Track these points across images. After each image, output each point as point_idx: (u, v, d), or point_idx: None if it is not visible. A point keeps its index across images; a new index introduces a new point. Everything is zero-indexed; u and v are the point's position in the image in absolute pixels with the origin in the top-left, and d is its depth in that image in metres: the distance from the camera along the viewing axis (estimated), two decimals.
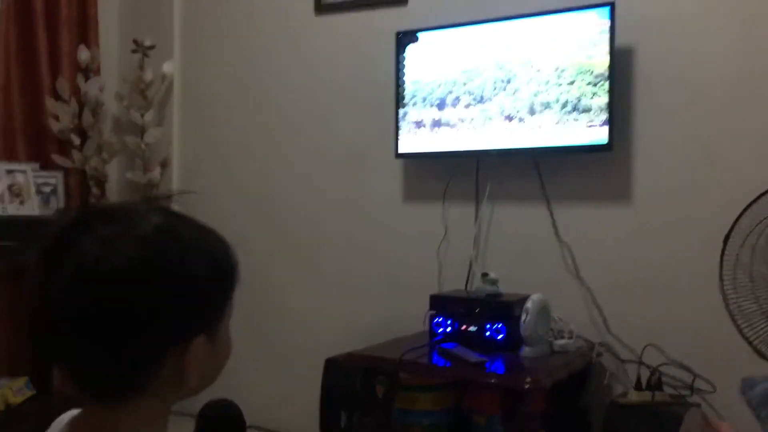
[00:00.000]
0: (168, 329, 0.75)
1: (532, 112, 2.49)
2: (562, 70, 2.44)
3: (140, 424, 0.78)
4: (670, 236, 2.39)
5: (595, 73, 2.37)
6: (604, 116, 2.36)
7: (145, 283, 0.73)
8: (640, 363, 2.31)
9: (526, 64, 2.50)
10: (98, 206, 0.77)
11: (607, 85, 2.35)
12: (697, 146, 2.36)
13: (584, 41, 2.39)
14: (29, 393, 2.89)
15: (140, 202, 0.84)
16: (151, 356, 0.75)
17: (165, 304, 0.74)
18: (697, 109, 2.36)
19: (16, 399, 2.83)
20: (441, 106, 2.68)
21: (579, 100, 2.40)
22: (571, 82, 2.42)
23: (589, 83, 2.38)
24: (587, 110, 2.38)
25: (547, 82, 2.46)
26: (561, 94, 2.44)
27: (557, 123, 2.44)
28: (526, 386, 2.01)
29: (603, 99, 2.36)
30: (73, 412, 0.83)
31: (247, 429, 1.00)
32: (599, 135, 2.38)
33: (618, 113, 2.40)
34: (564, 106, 2.42)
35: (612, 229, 2.49)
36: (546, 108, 2.46)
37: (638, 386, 2.24)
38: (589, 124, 2.38)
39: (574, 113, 2.41)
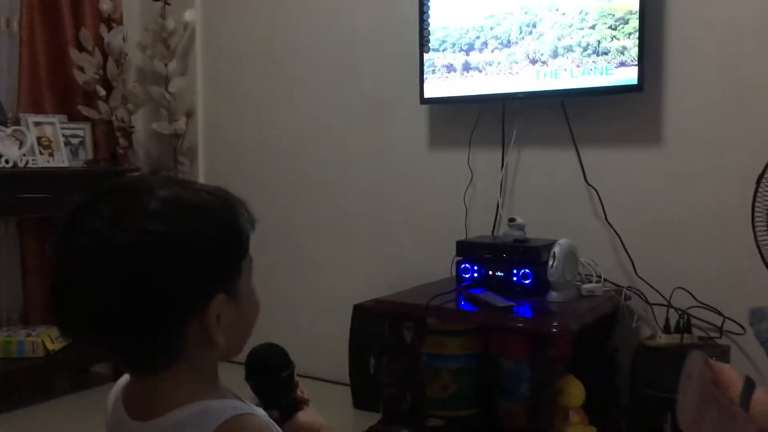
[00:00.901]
0: (184, 295, 0.77)
1: (555, 55, 2.44)
2: (586, 14, 2.37)
3: (189, 392, 0.80)
4: (701, 178, 2.35)
5: (617, 16, 2.30)
6: (633, 56, 2.29)
7: (156, 255, 0.75)
8: (669, 306, 2.30)
9: (552, 7, 2.44)
10: (102, 186, 0.78)
11: (636, 23, 2.28)
12: (730, 87, 2.29)
13: None
14: (67, 342, 2.97)
15: (144, 175, 0.85)
16: (173, 323, 0.77)
17: (177, 272, 0.76)
18: (730, 48, 2.29)
19: (54, 346, 2.91)
20: (466, 50, 2.63)
21: (599, 44, 2.34)
22: (593, 26, 2.36)
23: (609, 27, 2.33)
24: (606, 53, 2.33)
25: (570, 26, 2.40)
26: (582, 37, 2.38)
27: (579, 66, 2.38)
28: (553, 330, 2.01)
29: (626, 41, 2.29)
30: (124, 380, 0.87)
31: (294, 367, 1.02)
32: (629, 75, 2.32)
33: (649, 53, 2.33)
34: (585, 49, 2.37)
35: (641, 172, 2.45)
36: (568, 51, 2.41)
37: (667, 329, 2.24)
38: (618, 64, 2.32)
39: (593, 56, 2.36)
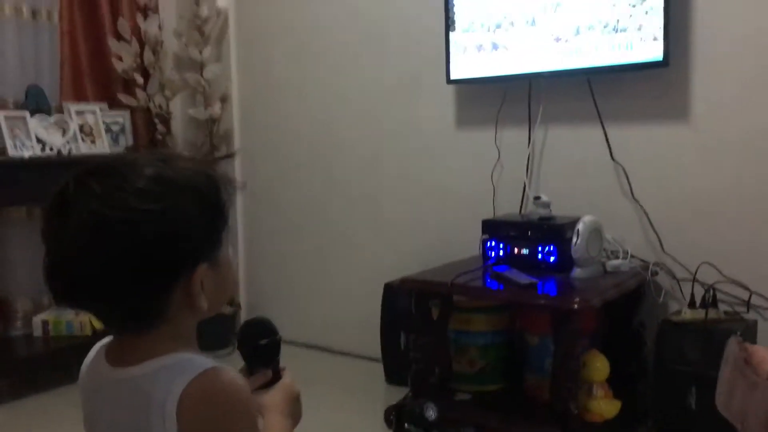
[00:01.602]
0: (172, 265, 0.85)
1: (578, 33, 2.44)
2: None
3: (168, 346, 0.88)
4: (728, 153, 2.33)
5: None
6: (658, 32, 2.28)
7: (145, 231, 0.82)
8: (695, 281, 2.30)
9: None
10: (93, 164, 0.86)
11: (656, 1, 2.27)
12: (757, 60, 2.27)
13: None
14: None
15: (131, 154, 0.91)
16: (162, 289, 0.85)
17: (166, 244, 0.83)
18: (756, 21, 2.26)
19: (99, 325, 3.05)
20: (492, 30, 2.64)
21: (618, 22, 2.35)
22: (614, 4, 2.36)
23: (630, 4, 2.32)
24: (624, 30, 2.34)
25: (592, 4, 2.40)
26: (603, 15, 2.38)
27: (602, 43, 2.38)
28: (575, 306, 2.04)
29: (644, 19, 2.28)
30: (107, 339, 0.95)
31: (280, 339, 1.11)
32: (655, 51, 2.31)
33: (674, 28, 2.31)
34: (605, 27, 2.37)
35: (668, 148, 2.44)
36: (590, 30, 2.41)
37: (692, 304, 2.25)
38: (643, 39, 2.31)
39: (614, 34, 2.36)
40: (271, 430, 1.01)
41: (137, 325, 0.88)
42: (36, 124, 2.94)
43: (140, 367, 0.86)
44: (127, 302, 0.85)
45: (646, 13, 2.30)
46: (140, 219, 0.82)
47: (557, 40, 2.50)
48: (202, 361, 0.86)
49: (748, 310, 2.27)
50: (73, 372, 0.96)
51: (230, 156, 3.46)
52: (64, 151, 2.99)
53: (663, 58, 2.30)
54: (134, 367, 0.87)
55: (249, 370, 1.07)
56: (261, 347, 1.07)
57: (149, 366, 0.86)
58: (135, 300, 0.84)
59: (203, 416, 0.83)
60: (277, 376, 1.08)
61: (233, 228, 3.58)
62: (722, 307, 2.26)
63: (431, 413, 2.25)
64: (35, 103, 3.02)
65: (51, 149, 2.94)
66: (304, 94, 3.37)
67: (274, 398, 1.05)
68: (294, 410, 1.07)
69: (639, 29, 2.32)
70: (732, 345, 1.58)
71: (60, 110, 3.15)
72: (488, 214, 2.71)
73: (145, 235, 0.82)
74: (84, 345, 0.98)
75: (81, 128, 3.13)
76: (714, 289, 2.25)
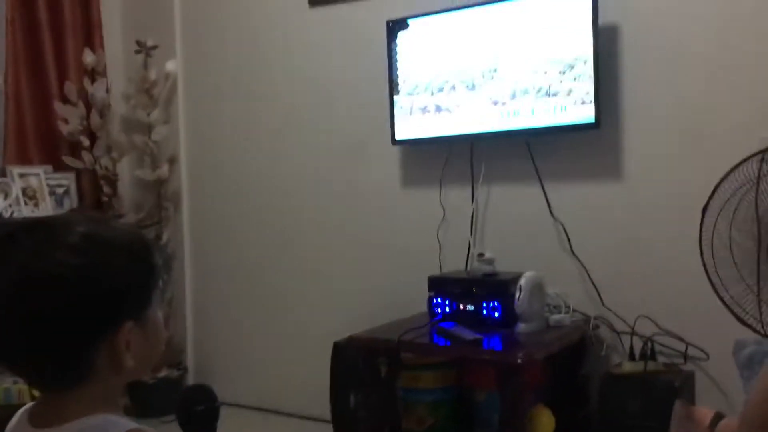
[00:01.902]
0: (98, 321, 0.85)
1: (513, 97, 2.56)
2: (539, 60, 2.51)
3: (91, 407, 0.86)
4: (660, 210, 2.44)
5: (565, 62, 2.43)
6: (588, 96, 2.41)
7: (74, 285, 0.83)
8: (633, 334, 2.37)
9: (510, 52, 2.57)
10: (22, 220, 0.87)
11: (583, 69, 2.40)
12: (683, 120, 2.40)
13: (567, 22, 2.44)
14: None
15: (64, 213, 0.93)
16: (86, 345, 0.85)
17: (93, 300, 0.84)
18: (681, 83, 2.40)
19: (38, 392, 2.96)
20: (434, 93, 2.74)
21: (550, 87, 2.48)
22: (545, 72, 2.49)
23: (559, 71, 2.46)
24: (555, 95, 2.47)
25: (526, 71, 2.54)
26: (536, 81, 2.52)
27: (536, 107, 2.50)
28: (519, 361, 2.08)
29: (572, 84, 2.41)
30: (30, 404, 0.94)
31: (219, 406, 1.11)
32: (586, 113, 2.43)
33: (605, 93, 2.44)
34: (538, 92, 2.50)
35: (603, 206, 2.54)
36: (524, 94, 2.54)
37: (632, 356, 2.31)
38: (575, 103, 2.43)
39: (545, 98, 2.49)
40: None
41: (60, 382, 0.87)
42: None
43: (61, 429, 0.85)
44: (49, 358, 0.84)
45: (575, 79, 2.43)
46: (66, 273, 0.82)
47: (495, 103, 2.61)
48: (125, 424, 0.86)
49: (685, 362, 2.34)
50: None
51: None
52: (6, 214, 2.95)
53: (595, 121, 2.42)
54: (56, 428, 0.86)
55: None
56: (197, 413, 1.06)
57: (71, 428, 0.85)
58: (58, 356, 0.84)
59: None
60: None
61: (181, 291, 3.55)
62: (660, 358, 2.33)
63: None
64: None
65: None
66: (252, 156, 3.41)
67: None
68: None
69: (569, 94, 2.45)
70: (677, 410, 1.67)
71: (2, 173, 3.11)
72: (435, 272, 2.75)
73: (70, 289, 0.82)
74: None
75: (24, 191, 3.10)
76: (652, 342, 2.32)
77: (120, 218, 3.35)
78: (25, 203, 3.07)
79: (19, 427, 0.91)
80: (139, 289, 0.90)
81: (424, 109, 2.77)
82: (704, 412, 1.67)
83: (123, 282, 0.87)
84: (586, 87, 2.41)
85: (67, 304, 0.82)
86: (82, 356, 0.85)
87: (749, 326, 1.83)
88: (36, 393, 2.66)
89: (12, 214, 2.98)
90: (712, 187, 2.04)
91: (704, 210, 1.87)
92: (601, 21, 2.40)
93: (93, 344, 0.85)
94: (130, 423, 0.87)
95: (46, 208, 3.15)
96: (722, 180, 1.82)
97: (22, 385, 2.95)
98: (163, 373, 3.29)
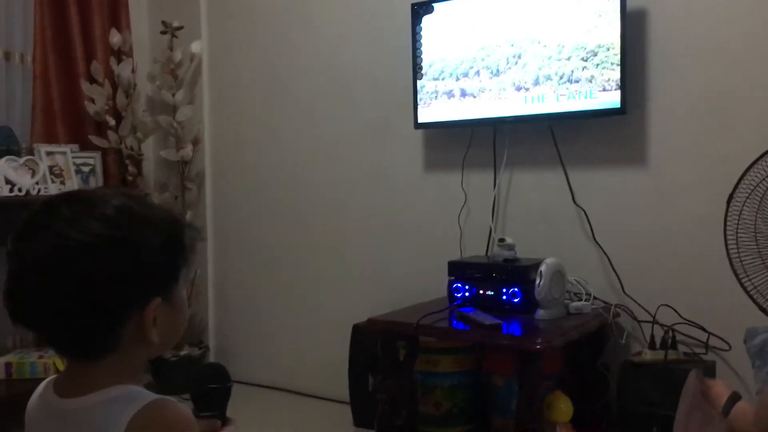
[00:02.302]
0: (128, 293, 0.87)
1: (537, 83, 2.55)
2: (562, 47, 2.49)
3: (115, 379, 0.89)
4: (684, 197, 2.41)
5: (592, 47, 2.42)
6: (616, 81, 2.38)
7: (107, 256, 0.85)
8: (654, 323, 2.35)
9: (534, 40, 2.56)
10: (65, 192, 0.90)
11: (606, 56, 2.37)
12: (710, 107, 2.36)
13: (595, 6, 2.40)
14: None
15: (102, 187, 0.95)
16: (115, 317, 0.88)
17: (125, 272, 0.86)
18: (710, 70, 2.36)
19: (63, 366, 3.01)
20: (457, 77, 2.73)
21: (572, 73, 2.46)
22: (569, 58, 2.47)
23: (582, 58, 2.44)
24: (577, 81, 2.45)
25: (550, 58, 2.52)
26: (559, 68, 2.49)
27: (563, 92, 2.48)
28: (538, 347, 2.07)
29: (601, 70, 2.38)
30: (55, 375, 0.97)
31: (231, 386, 1.12)
32: (612, 99, 2.40)
33: (631, 77, 2.41)
34: (561, 78, 2.49)
35: (627, 193, 2.52)
36: (547, 80, 2.52)
37: (652, 345, 2.29)
38: (602, 88, 2.41)
39: (567, 84, 2.47)
40: None
41: (88, 351, 0.89)
42: (5, 165, 2.94)
43: (87, 398, 0.88)
44: (79, 326, 0.86)
45: (600, 64, 2.41)
46: (101, 245, 0.84)
47: (518, 89, 2.59)
48: (148, 394, 0.88)
49: (706, 352, 2.32)
50: None
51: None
52: (33, 192, 2.99)
53: (620, 106, 2.39)
54: (81, 398, 0.88)
55: (195, 413, 1.07)
56: (211, 391, 1.07)
57: (96, 397, 0.87)
58: (88, 324, 0.86)
59: None
60: (224, 425, 1.08)
61: (203, 271, 3.58)
62: (681, 348, 2.31)
63: None
64: (5, 144, 3.02)
65: (20, 190, 2.94)
66: (274, 138, 3.42)
67: None
68: None
69: (592, 80, 2.43)
70: (691, 378, 1.62)
71: (30, 152, 3.15)
72: (455, 256, 2.75)
73: (103, 261, 0.84)
74: None
75: (51, 169, 3.14)
76: (673, 331, 2.30)
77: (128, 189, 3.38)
78: (52, 181, 3.11)
79: (45, 396, 0.94)
80: (169, 267, 0.92)
81: (449, 94, 2.75)
82: (720, 391, 1.61)
83: (153, 258, 0.89)
84: (612, 72, 2.38)
85: (99, 275, 0.84)
86: (110, 327, 0.88)
87: None
88: (61, 367, 2.72)
89: (39, 191, 3.02)
90: (737, 177, 2.01)
91: (729, 199, 1.84)
92: (629, 6, 2.37)
93: (122, 316, 0.88)
94: (152, 394, 0.89)
95: (72, 187, 3.18)
96: (749, 168, 1.79)
97: (48, 360, 3.00)
98: (184, 351, 3.33)
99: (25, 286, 0.86)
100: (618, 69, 2.38)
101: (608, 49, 2.39)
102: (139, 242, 0.87)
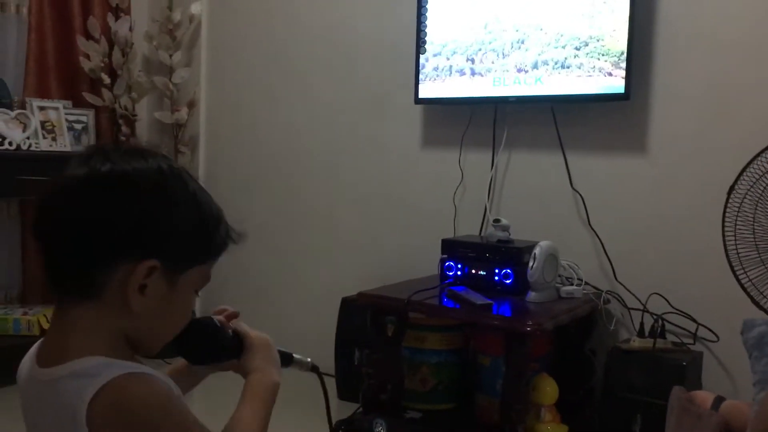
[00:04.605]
0: (135, 236, 0.84)
1: (535, 67, 2.53)
2: (561, 35, 2.47)
3: (92, 347, 0.85)
4: (682, 188, 2.40)
5: (599, 29, 2.40)
6: (621, 66, 2.35)
7: (137, 196, 0.84)
8: (644, 311, 2.35)
9: (537, 27, 2.54)
10: (122, 143, 0.89)
11: (624, 33, 2.34)
12: (715, 97, 2.34)
13: None
14: None
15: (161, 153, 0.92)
16: (110, 254, 0.84)
17: (143, 217, 0.85)
18: (715, 59, 2.34)
19: (49, 325, 2.99)
20: (461, 54, 2.69)
21: (565, 60, 2.47)
22: (563, 46, 2.47)
23: (575, 47, 2.44)
24: (568, 67, 2.47)
25: (548, 44, 2.51)
26: (554, 55, 2.49)
27: (568, 74, 2.45)
28: (527, 329, 2.07)
29: (606, 54, 2.36)
30: (40, 341, 0.94)
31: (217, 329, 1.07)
32: (616, 83, 2.37)
33: (636, 63, 2.38)
34: (555, 64, 2.49)
35: (625, 179, 2.50)
36: (544, 65, 2.51)
37: (641, 333, 2.30)
38: (605, 72, 2.38)
39: (574, 69, 2.46)
40: (259, 397, 1.00)
41: (66, 283, 0.86)
42: None
43: (58, 369, 0.83)
44: (80, 253, 0.84)
45: (605, 48, 2.39)
46: (140, 184, 0.84)
47: (519, 71, 2.56)
48: (117, 367, 0.82)
49: (694, 342, 2.33)
50: (16, 372, 0.94)
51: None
52: (24, 147, 2.94)
53: (624, 91, 2.37)
54: (53, 369, 0.84)
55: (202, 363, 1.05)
56: (193, 350, 1.02)
57: (65, 369, 0.83)
58: (88, 252, 0.83)
59: (114, 424, 0.80)
60: (239, 341, 1.05)
61: None
62: (670, 337, 2.31)
63: (380, 430, 2.26)
64: None
65: (10, 144, 2.89)
66: (271, 105, 3.37)
67: (252, 363, 1.03)
68: (273, 357, 1.07)
69: (600, 58, 2.41)
70: (675, 392, 1.66)
71: (22, 105, 3.10)
72: (448, 234, 2.73)
73: (134, 197, 0.84)
74: (31, 345, 0.96)
75: (43, 124, 3.09)
76: (663, 320, 2.30)
77: None
78: (44, 136, 3.06)
79: (27, 365, 0.91)
80: (182, 242, 0.88)
81: (450, 70, 2.72)
82: (705, 396, 1.67)
83: (172, 220, 0.87)
84: (616, 58, 2.35)
85: (118, 206, 0.83)
86: (100, 265, 0.84)
87: (766, 311, 1.80)
88: (45, 325, 2.70)
89: (30, 146, 2.97)
90: (737, 169, 2.00)
91: (730, 190, 1.83)
92: None
93: (111, 255, 0.84)
94: (133, 366, 0.83)
95: (64, 143, 3.14)
96: (752, 160, 1.78)
97: (32, 317, 2.98)
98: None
99: (45, 207, 0.86)
100: (624, 54, 2.35)
101: (619, 32, 2.35)
102: (171, 200, 0.86)
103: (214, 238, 0.92)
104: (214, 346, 1.03)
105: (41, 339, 0.92)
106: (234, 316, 1.10)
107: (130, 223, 0.83)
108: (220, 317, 1.07)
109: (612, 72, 2.38)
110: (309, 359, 1.13)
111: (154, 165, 0.86)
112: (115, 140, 3.40)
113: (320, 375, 1.14)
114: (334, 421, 2.52)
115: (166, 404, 0.83)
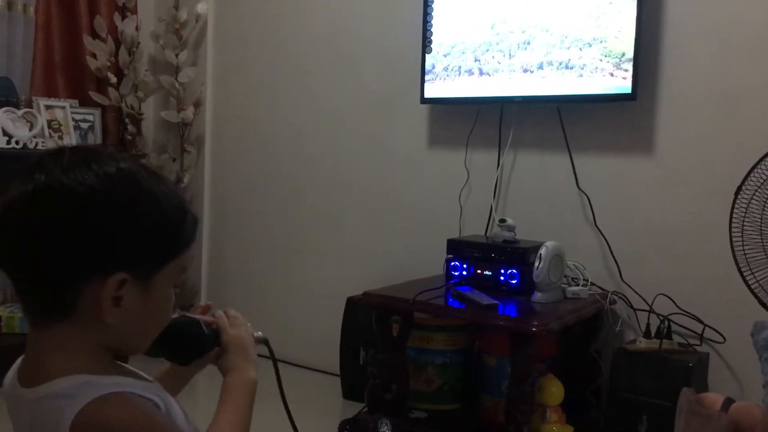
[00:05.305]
0: (98, 252, 0.80)
1: (541, 67, 2.53)
2: (565, 36, 2.47)
3: (75, 364, 0.82)
4: (689, 188, 2.39)
5: (605, 30, 2.39)
6: (628, 66, 2.34)
7: (88, 210, 0.79)
8: (651, 312, 2.34)
9: (543, 28, 2.53)
10: (82, 145, 0.86)
11: (632, 33, 2.33)
12: (722, 98, 2.33)
13: None
14: None
15: (122, 152, 0.89)
16: (72, 272, 0.80)
17: (101, 230, 0.80)
18: (723, 60, 2.32)
19: None
20: (467, 54, 2.68)
21: (569, 60, 2.46)
22: (568, 47, 2.46)
23: (579, 48, 2.44)
24: (572, 68, 2.47)
25: (554, 45, 2.50)
26: (559, 55, 2.49)
27: (573, 74, 2.45)
28: (533, 330, 2.06)
29: (613, 54, 2.35)
30: (21, 358, 0.90)
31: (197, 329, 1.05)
32: (623, 84, 2.37)
33: (643, 63, 2.38)
34: (560, 64, 2.48)
35: (631, 180, 2.50)
36: (549, 65, 2.51)
37: (647, 334, 2.29)
38: (612, 73, 2.37)
39: (580, 69, 2.45)
40: (238, 396, 0.99)
41: (40, 312, 0.83)
42: (3, 117, 2.90)
43: (39, 389, 0.81)
44: (41, 274, 0.80)
45: (612, 48, 2.38)
46: (86, 198, 0.79)
47: (525, 71, 2.56)
48: (98, 387, 0.80)
49: (701, 343, 2.31)
50: None
51: None
52: (31, 145, 2.95)
53: (631, 92, 2.36)
54: (35, 389, 0.81)
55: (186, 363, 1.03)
56: (176, 349, 1.01)
57: (46, 389, 0.81)
58: (42, 268, 0.80)
59: None
60: (214, 333, 1.03)
61: (197, 235, 3.55)
62: (676, 338, 2.30)
63: (385, 429, 2.26)
64: (4, 95, 2.98)
65: (17, 143, 2.90)
66: (277, 104, 3.37)
67: (228, 363, 1.02)
68: (249, 354, 1.06)
69: (599, 66, 2.40)
70: (684, 394, 1.65)
71: (29, 104, 3.10)
72: (454, 234, 2.73)
73: (79, 209, 0.79)
74: None
75: (49, 123, 3.09)
76: (669, 321, 2.29)
77: (142, 158, 3.35)
78: (50, 135, 3.06)
79: (13, 386, 0.87)
80: (148, 245, 0.84)
81: (457, 70, 2.71)
82: (714, 397, 1.65)
83: (140, 229, 0.82)
84: (623, 57, 2.35)
85: (69, 221, 0.78)
86: (64, 285, 0.80)
87: None
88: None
89: (36, 145, 2.97)
90: (745, 169, 1.98)
91: (738, 190, 1.82)
92: None
93: (80, 273, 0.80)
94: (114, 384, 0.81)
95: (71, 142, 3.14)
96: (760, 161, 1.77)
97: (10, 313, 2.98)
98: (175, 315, 3.31)
99: (4, 226, 0.80)
100: (630, 54, 2.34)
101: (626, 32, 2.35)
102: (129, 208, 0.81)
103: (181, 231, 0.88)
104: (191, 342, 1.02)
105: (22, 356, 0.89)
106: (207, 309, 1.09)
107: (84, 237, 0.79)
108: (194, 315, 1.06)
109: (618, 72, 2.37)
110: (260, 332, 1.13)
111: (100, 171, 0.80)
112: (121, 139, 3.41)
113: (269, 347, 1.15)
114: (339, 421, 2.53)
115: (145, 425, 0.81)
